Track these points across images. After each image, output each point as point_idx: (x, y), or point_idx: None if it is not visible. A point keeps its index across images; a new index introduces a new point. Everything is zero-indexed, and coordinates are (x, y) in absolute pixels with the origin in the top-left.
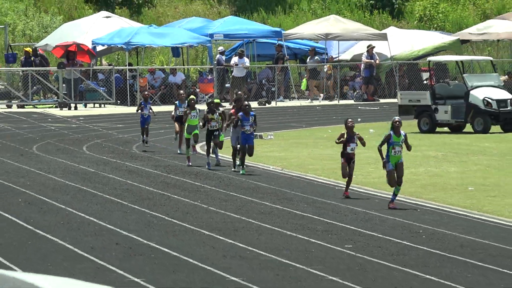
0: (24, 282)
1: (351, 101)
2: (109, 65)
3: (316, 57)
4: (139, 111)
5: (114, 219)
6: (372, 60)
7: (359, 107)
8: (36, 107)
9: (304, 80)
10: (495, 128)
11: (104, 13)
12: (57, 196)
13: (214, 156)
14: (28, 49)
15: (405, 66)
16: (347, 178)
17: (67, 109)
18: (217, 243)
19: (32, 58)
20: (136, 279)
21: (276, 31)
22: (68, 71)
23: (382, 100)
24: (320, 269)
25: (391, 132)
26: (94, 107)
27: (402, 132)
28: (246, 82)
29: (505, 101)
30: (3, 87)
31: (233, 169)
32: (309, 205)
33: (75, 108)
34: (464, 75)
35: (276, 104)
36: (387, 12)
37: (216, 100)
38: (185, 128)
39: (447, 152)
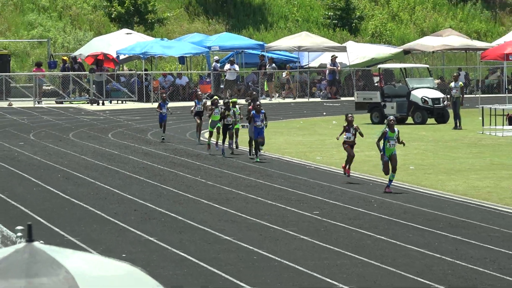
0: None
1: (318, 99)
2: (129, 70)
3: (273, 65)
4: (158, 110)
5: (133, 190)
6: (335, 67)
7: (325, 104)
8: (72, 103)
9: (265, 82)
10: (431, 120)
11: (125, 30)
12: (88, 173)
13: (227, 145)
14: (65, 58)
15: (360, 72)
16: (350, 158)
17: (96, 104)
18: (213, 210)
19: (70, 65)
20: (150, 238)
21: (260, 44)
22: (98, 75)
23: (342, 98)
24: (294, 230)
25: (387, 129)
26: (117, 103)
27: (396, 129)
28: (236, 84)
29: (438, 99)
30: (49, 87)
31: (249, 156)
32: (285, 180)
33: (103, 104)
34: (406, 79)
35: (259, 102)
36: (346, 29)
37: (233, 100)
38: (209, 122)
39: None
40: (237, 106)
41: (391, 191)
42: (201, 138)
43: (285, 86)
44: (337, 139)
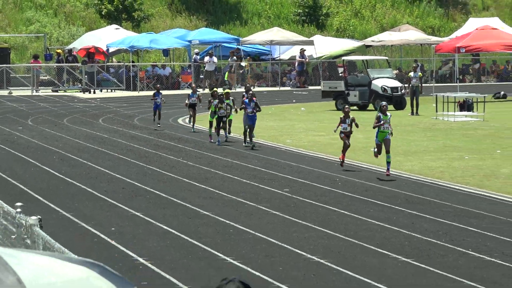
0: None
1: (288, 88)
2: (118, 62)
3: (234, 57)
4: (153, 99)
5: (121, 170)
6: (303, 59)
7: (294, 92)
8: (66, 92)
9: (226, 73)
10: (390, 107)
11: (114, 26)
12: (81, 154)
13: (223, 134)
14: (59, 51)
15: (326, 63)
16: (346, 146)
17: (88, 93)
18: (194, 188)
19: (64, 57)
20: (136, 213)
21: (235, 38)
22: (89, 66)
23: (310, 87)
24: (267, 206)
25: (380, 114)
26: (107, 91)
27: (388, 114)
28: (214, 74)
29: (396, 88)
30: (46, 77)
31: (244, 145)
32: (259, 161)
33: (94, 92)
34: (368, 69)
35: (235, 90)
36: (314, 25)
37: (226, 91)
38: (209, 113)
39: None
40: (230, 98)
41: (390, 174)
42: (197, 126)
43: (263, 75)
44: (334, 131)
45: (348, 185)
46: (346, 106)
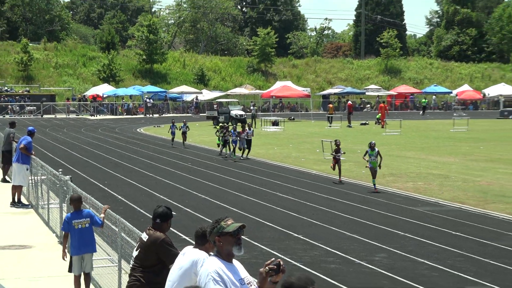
0: None
1: (190, 114)
2: (107, 102)
3: (167, 101)
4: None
5: (109, 153)
6: (197, 100)
7: (193, 116)
8: (82, 116)
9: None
10: (239, 125)
11: (106, 84)
12: (90, 146)
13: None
14: (79, 95)
15: (208, 102)
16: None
17: (93, 116)
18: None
19: (82, 99)
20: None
21: (164, 91)
22: (94, 103)
23: (201, 114)
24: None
25: (368, 149)
26: (102, 116)
27: (376, 149)
28: (155, 109)
29: (242, 114)
30: (72, 109)
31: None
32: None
33: (95, 116)
34: (228, 105)
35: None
36: (203, 84)
37: (227, 126)
38: (219, 138)
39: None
40: (230, 127)
41: (377, 191)
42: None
43: (178, 108)
44: (364, 159)
45: (276, 180)
46: (337, 140)
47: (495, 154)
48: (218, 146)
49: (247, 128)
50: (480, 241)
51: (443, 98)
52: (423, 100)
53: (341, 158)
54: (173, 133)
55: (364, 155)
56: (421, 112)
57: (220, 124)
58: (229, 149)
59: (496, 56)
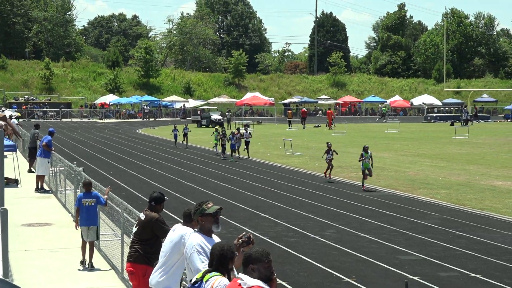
0: None
1: (179, 118)
2: (113, 108)
3: (160, 108)
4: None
5: (111, 148)
6: (185, 107)
7: (181, 120)
8: (92, 119)
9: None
10: (217, 126)
11: (112, 94)
12: (97, 143)
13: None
14: (90, 103)
15: (192, 108)
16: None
17: (101, 120)
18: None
19: (92, 106)
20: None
21: (158, 100)
22: (102, 110)
23: (187, 118)
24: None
25: (363, 152)
26: (108, 120)
27: (369, 152)
28: (151, 114)
29: (220, 118)
30: (85, 114)
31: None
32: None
33: (103, 120)
34: (209, 111)
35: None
36: (188, 94)
37: (224, 131)
38: (219, 142)
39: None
40: (226, 133)
41: (365, 190)
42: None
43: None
44: (322, 157)
45: (263, 175)
46: (329, 143)
47: (421, 150)
48: (214, 147)
49: (243, 130)
50: (410, 219)
51: (377, 106)
52: (384, 108)
53: (331, 158)
54: (175, 136)
55: (360, 159)
56: (380, 117)
57: (216, 127)
58: (223, 152)
59: (421, 73)
